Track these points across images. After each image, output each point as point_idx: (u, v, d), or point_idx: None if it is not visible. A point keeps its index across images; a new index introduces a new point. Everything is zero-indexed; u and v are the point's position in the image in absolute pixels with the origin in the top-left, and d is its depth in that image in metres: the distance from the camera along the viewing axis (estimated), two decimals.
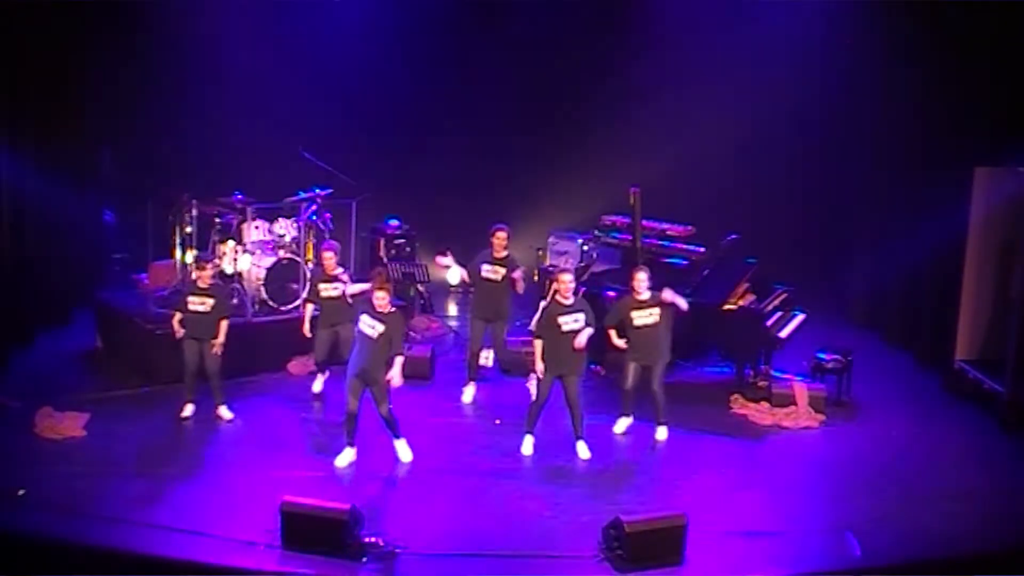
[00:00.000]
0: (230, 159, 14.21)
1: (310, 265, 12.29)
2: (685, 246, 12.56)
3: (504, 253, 10.84)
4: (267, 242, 12.37)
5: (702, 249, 12.40)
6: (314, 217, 12.75)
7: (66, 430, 9.92)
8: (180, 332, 10.34)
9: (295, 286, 12.01)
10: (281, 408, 10.92)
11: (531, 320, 11.53)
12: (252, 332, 11.76)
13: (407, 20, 14.84)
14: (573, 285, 9.74)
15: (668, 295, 10.10)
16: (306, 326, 10.86)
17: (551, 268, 13.05)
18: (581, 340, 9.56)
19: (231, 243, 12.35)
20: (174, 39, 13.91)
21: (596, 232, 13.63)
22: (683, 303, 10.14)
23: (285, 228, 12.45)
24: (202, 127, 14.28)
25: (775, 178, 14.92)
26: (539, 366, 9.69)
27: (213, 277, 10.63)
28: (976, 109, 11.65)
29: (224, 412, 10.57)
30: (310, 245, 12.62)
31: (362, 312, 9.28)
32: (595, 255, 13.94)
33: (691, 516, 8.07)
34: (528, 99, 15.41)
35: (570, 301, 9.68)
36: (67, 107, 13.09)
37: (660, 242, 12.66)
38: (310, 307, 10.93)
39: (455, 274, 15.45)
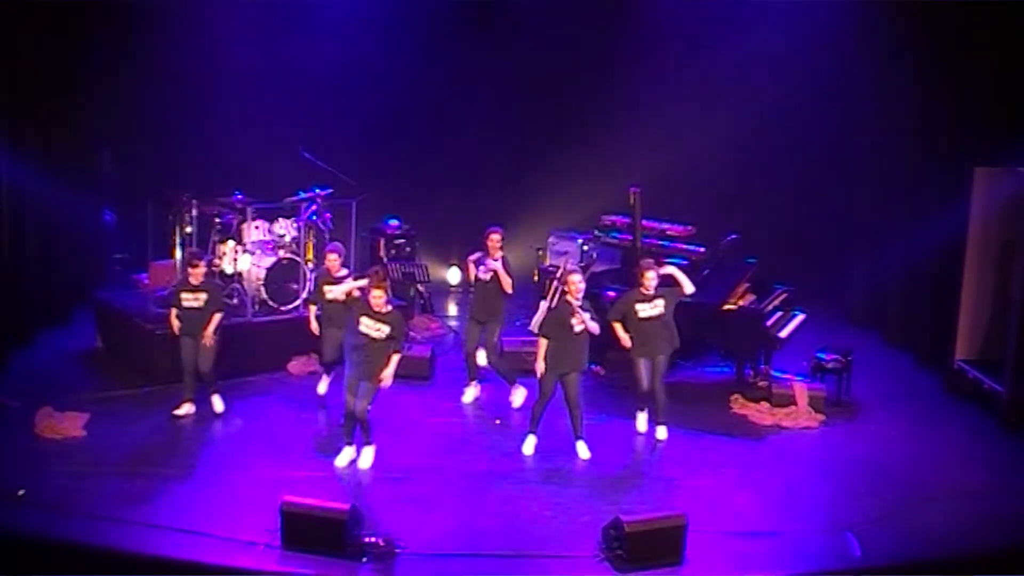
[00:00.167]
0: (230, 159, 14.21)
1: (310, 265, 12.30)
2: (685, 246, 12.56)
3: (499, 255, 10.85)
4: (267, 242, 12.37)
5: (702, 249, 12.40)
6: (314, 217, 12.75)
7: (66, 430, 9.92)
8: (177, 326, 10.36)
9: (295, 286, 12.02)
10: (281, 408, 10.92)
11: (531, 320, 11.60)
12: (252, 332, 11.76)
13: (407, 20, 14.84)
14: (583, 286, 9.74)
15: (670, 269, 10.09)
16: (313, 325, 10.84)
17: (551, 268, 13.05)
18: (593, 326, 9.57)
19: (231, 243, 12.36)
20: (174, 39, 13.92)
21: (596, 232, 13.63)
22: (688, 284, 10.10)
23: (285, 228, 12.45)
24: (202, 127, 14.28)
25: (775, 178, 14.92)
26: (539, 365, 9.69)
27: (206, 274, 10.63)
28: (976, 109, 11.66)
29: (216, 402, 10.60)
30: (310, 245, 12.62)
31: (361, 315, 9.24)
32: (595, 255, 13.95)
33: (691, 516, 8.07)
34: (528, 99, 15.41)
35: (580, 302, 9.71)
36: (67, 107, 13.09)
37: (660, 242, 12.65)
38: (313, 308, 10.92)
39: (457, 274, 15.57)
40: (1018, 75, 11.15)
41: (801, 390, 11.03)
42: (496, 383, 11.38)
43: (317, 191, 12.68)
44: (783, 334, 11.48)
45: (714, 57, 14.51)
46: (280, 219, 12.47)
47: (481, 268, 10.81)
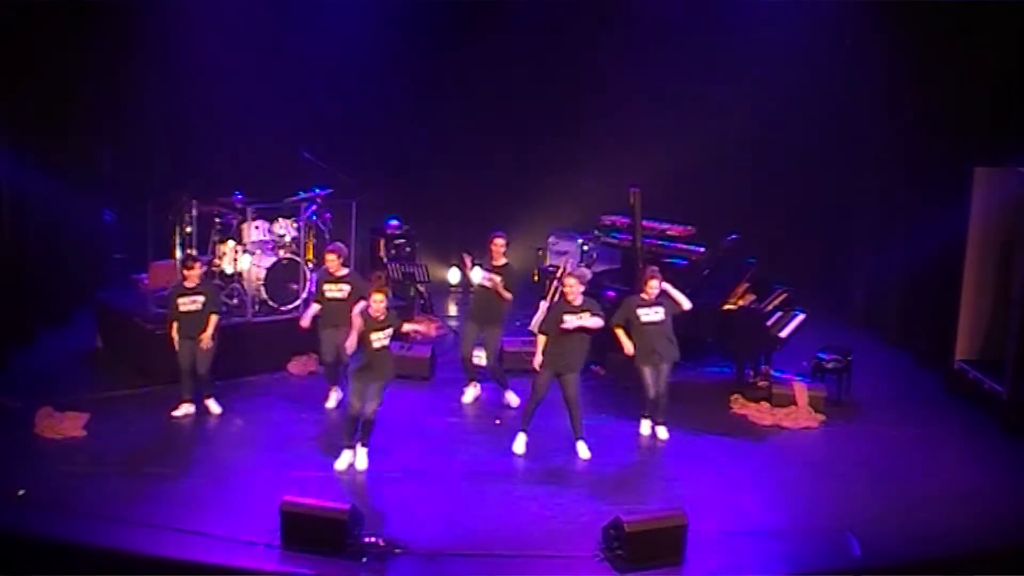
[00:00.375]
0: (230, 159, 14.21)
1: (310, 265, 12.30)
2: (685, 246, 12.55)
3: (502, 261, 10.85)
4: (267, 242, 12.37)
5: (702, 249, 12.39)
6: (314, 217, 12.76)
7: (66, 430, 9.92)
8: (175, 330, 10.36)
9: (295, 286, 12.02)
10: (281, 408, 10.92)
11: (530, 320, 11.61)
12: (252, 332, 11.77)
13: (407, 20, 14.83)
14: (579, 289, 9.76)
15: (665, 285, 10.13)
16: (305, 319, 10.82)
17: (551, 268, 13.05)
18: (593, 322, 9.61)
19: (231, 243, 12.36)
20: (174, 39, 13.90)
21: (596, 232, 13.62)
22: (685, 302, 10.14)
23: (285, 228, 12.45)
24: (202, 127, 14.28)
25: (775, 178, 14.91)
26: (537, 358, 9.74)
27: (203, 276, 10.63)
28: (976, 109, 11.66)
29: (212, 405, 10.60)
30: (310, 245, 12.62)
31: (370, 332, 9.22)
32: (595, 255, 13.96)
33: (691, 516, 8.06)
34: (528, 99, 15.40)
35: (579, 302, 9.71)
36: (67, 107, 13.09)
37: (660, 242, 12.65)
38: (315, 306, 10.94)
39: (457, 274, 15.57)
40: (1018, 75, 11.15)
41: (801, 390, 11.04)
42: (496, 383, 11.38)
43: (317, 191, 12.67)
44: (783, 334, 11.48)
45: (714, 57, 14.51)
46: (280, 219, 12.47)
47: (484, 276, 10.81)
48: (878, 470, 9.74)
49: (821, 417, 10.87)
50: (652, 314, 10.07)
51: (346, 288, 10.63)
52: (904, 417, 11.06)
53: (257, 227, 12.34)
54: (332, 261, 10.73)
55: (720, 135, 14.22)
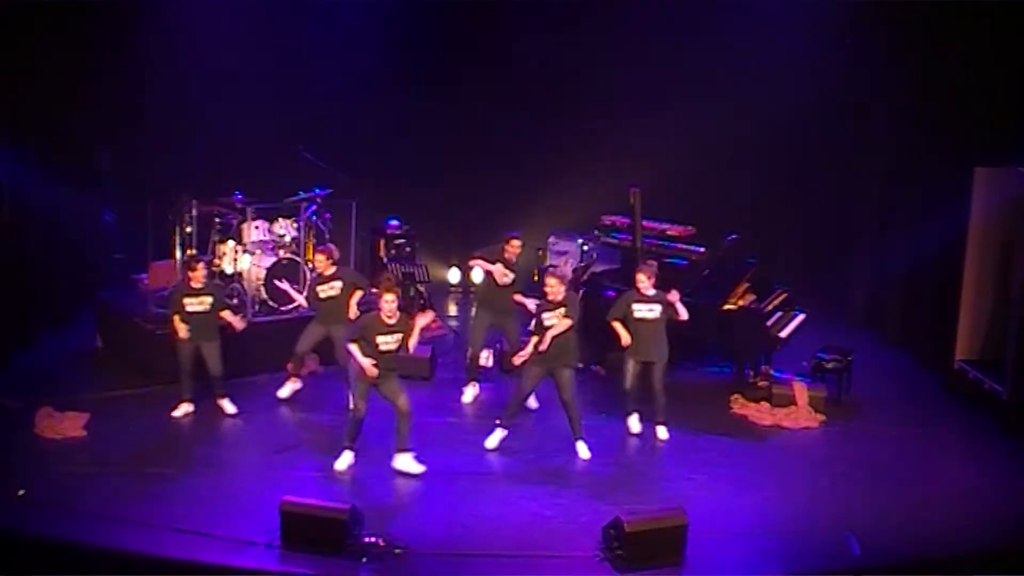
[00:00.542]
0: (230, 159, 14.20)
1: (310, 265, 12.30)
2: (685, 246, 12.56)
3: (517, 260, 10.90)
4: (267, 242, 12.37)
5: (702, 249, 12.39)
6: (314, 217, 12.75)
7: (66, 430, 9.92)
8: (183, 331, 10.32)
9: (295, 286, 12.01)
10: (281, 408, 10.93)
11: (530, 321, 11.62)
12: (252, 332, 11.74)
13: (407, 20, 14.82)
14: (559, 288, 9.74)
15: (673, 296, 10.11)
16: (295, 295, 11.10)
17: (551, 268, 13.05)
18: (552, 326, 9.64)
19: (231, 243, 12.36)
20: (174, 39, 13.89)
21: (596, 232, 13.62)
22: (683, 312, 10.14)
23: (285, 228, 12.45)
24: (202, 127, 14.27)
25: (775, 178, 14.90)
26: (524, 356, 9.77)
27: (206, 276, 10.64)
28: (976, 109, 11.65)
29: (227, 405, 10.61)
30: (310, 245, 12.62)
31: (375, 335, 9.19)
32: (595, 255, 13.95)
33: (691, 516, 8.07)
34: (528, 99, 15.38)
35: (559, 298, 9.74)
36: (67, 107, 13.08)
37: (660, 242, 12.65)
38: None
39: (457, 274, 15.56)
40: (1018, 75, 11.15)
41: (801, 390, 11.04)
42: (496, 383, 11.39)
43: (317, 191, 12.67)
44: (783, 334, 11.48)
45: (715, 57, 14.48)
46: (280, 219, 12.47)
47: (501, 271, 10.79)
48: (878, 470, 9.74)
49: (821, 417, 10.87)
50: (646, 311, 10.08)
51: (338, 284, 10.68)
52: (904, 417, 11.07)
53: (257, 227, 12.35)
54: (321, 262, 10.79)
55: (720, 135, 14.22)
